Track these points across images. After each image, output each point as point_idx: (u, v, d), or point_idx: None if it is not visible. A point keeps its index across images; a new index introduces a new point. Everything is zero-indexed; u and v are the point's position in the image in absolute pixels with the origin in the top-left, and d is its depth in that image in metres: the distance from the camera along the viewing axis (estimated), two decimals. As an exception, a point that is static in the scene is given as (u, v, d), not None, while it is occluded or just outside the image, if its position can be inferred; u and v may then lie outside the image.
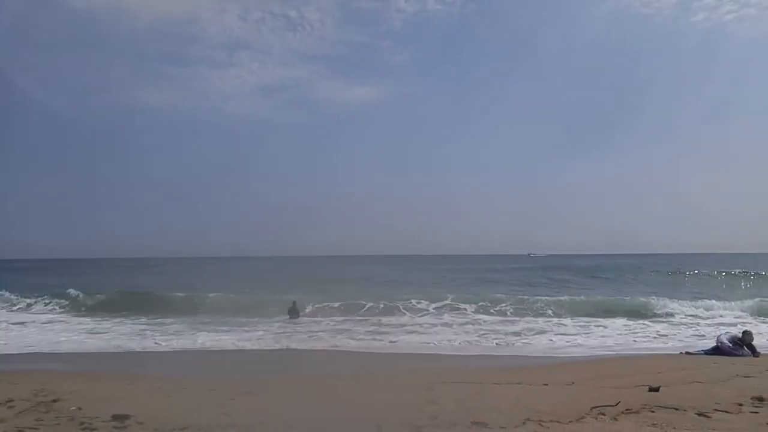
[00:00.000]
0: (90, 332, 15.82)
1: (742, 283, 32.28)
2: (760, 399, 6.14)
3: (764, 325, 16.26)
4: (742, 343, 10.81)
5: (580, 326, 16.38)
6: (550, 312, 19.36)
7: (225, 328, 15.85)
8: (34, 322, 18.07)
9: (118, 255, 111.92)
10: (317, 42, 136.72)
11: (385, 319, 18.00)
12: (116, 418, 5.41)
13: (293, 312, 18.59)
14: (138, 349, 12.84)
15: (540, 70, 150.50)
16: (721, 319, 17.69)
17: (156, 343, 13.75)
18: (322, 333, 15.27)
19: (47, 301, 23.45)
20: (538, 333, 15.30)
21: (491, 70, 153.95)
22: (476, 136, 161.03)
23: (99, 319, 18.88)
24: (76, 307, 22.41)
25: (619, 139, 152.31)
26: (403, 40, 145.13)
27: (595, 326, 16.32)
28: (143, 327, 16.58)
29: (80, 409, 5.86)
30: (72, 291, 24.72)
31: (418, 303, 20.82)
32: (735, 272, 37.13)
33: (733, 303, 19.93)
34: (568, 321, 17.50)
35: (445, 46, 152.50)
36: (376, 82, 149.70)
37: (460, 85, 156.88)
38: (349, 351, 12.60)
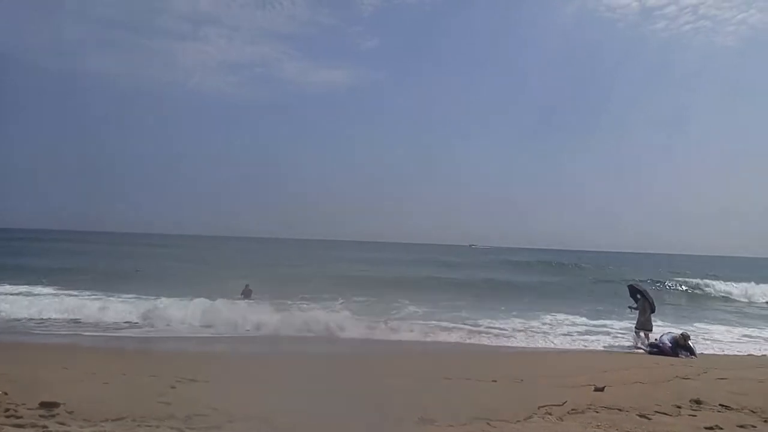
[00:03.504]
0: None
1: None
2: (698, 402, 6.36)
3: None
4: (680, 345, 11.29)
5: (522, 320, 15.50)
6: (492, 307, 18.11)
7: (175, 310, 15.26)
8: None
9: (59, 227, 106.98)
10: (286, 21, 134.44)
11: (329, 307, 17.27)
12: (44, 405, 5.07)
13: (246, 294, 18.29)
14: (79, 331, 12.23)
15: (506, 65, 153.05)
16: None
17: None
18: (268, 319, 14.15)
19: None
20: (483, 326, 14.38)
21: (458, 64, 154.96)
22: (439, 127, 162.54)
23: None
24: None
25: (574, 137, 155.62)
26: (375, 27, 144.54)
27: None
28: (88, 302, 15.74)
29: (6, 394, 5.48)
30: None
31: (356, 294, 19.20)
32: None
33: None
34: (509, 314, 16.40)
35: (416, 35, 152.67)
36: (344, 65, 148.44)
37: (427, 76, 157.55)
38: (295, 337, 12.32)
